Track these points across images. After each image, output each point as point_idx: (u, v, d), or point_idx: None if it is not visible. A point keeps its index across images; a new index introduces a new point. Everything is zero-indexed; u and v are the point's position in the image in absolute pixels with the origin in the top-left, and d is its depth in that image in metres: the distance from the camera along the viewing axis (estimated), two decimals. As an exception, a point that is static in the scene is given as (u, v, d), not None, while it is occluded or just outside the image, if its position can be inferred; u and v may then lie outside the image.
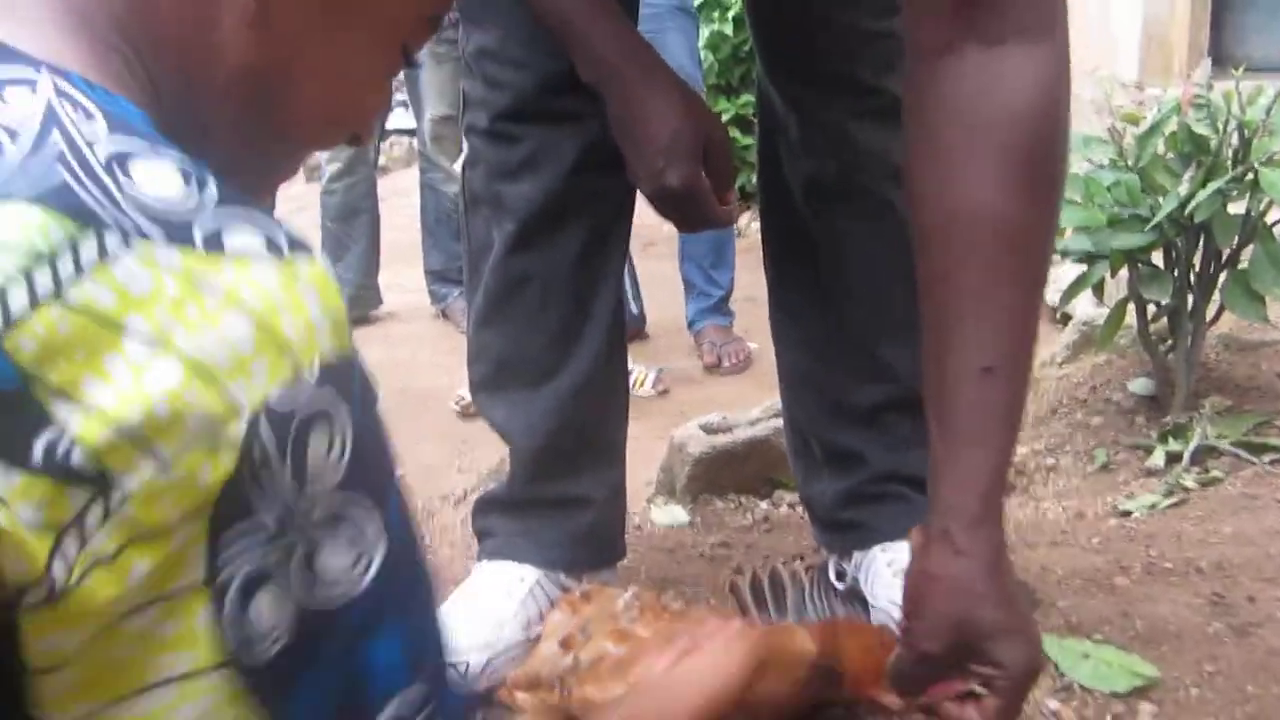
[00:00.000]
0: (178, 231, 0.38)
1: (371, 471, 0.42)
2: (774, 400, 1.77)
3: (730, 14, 4.03)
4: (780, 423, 1.67)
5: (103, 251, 0.38)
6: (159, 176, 0.40)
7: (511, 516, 1.16)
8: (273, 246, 0.40)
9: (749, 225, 3.65)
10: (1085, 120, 1.54)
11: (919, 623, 0.76)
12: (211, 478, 0.38)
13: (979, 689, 0.76)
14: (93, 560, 0.37)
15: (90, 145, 0.39)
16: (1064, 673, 0.99)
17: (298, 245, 0.40)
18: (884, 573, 1.11)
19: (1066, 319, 1.97)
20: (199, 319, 0.38)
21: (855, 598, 1.15)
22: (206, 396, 0.37)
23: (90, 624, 0.38)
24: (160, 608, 0.38)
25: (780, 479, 1.63)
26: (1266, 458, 1.36)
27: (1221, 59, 3.98)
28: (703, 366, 2.94)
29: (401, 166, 5.98)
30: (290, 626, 0.40)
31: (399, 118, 4.58)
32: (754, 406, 1.83)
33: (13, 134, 0.38)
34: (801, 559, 1.34)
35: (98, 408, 0.37)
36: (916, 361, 1.09)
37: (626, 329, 1.15)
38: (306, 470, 0.39)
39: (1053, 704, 0.95)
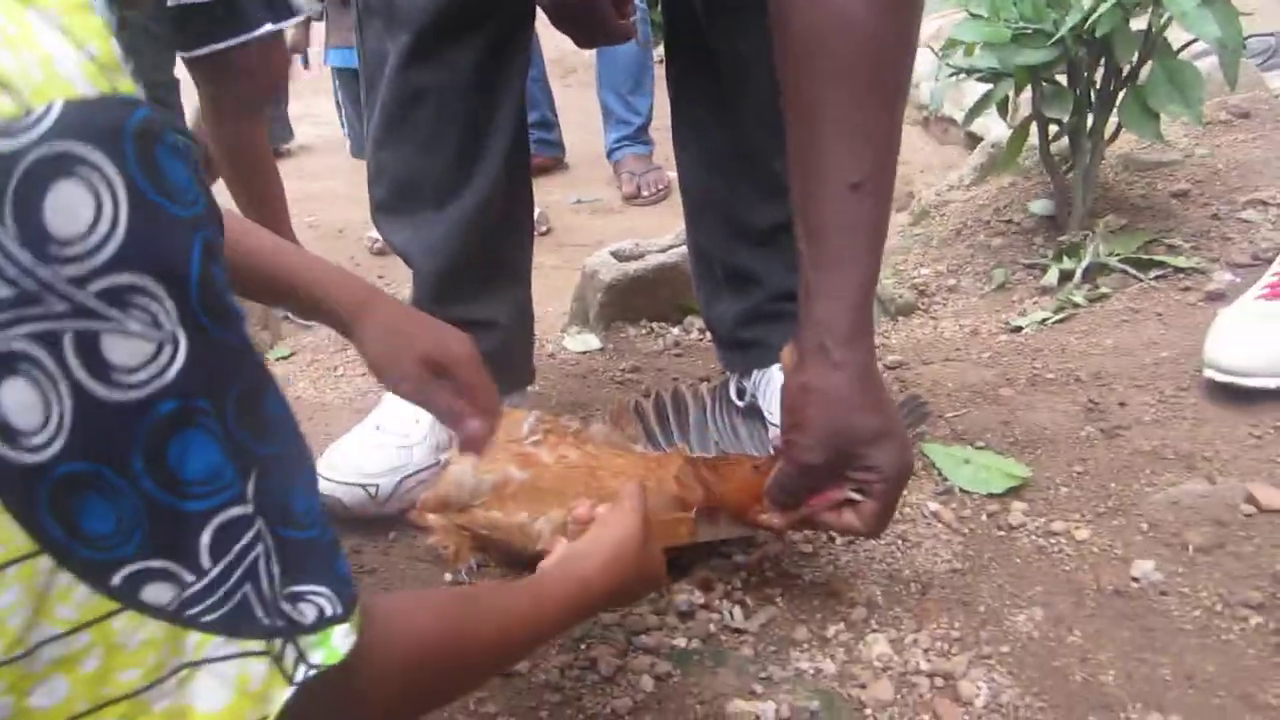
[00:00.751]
0: None
1: (161, 249, 0.38)
2: (684, 229, 1.78)
3: None
4: (672, 252, 1.68)
5: None
6: None
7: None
8: None
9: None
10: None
11: (799, 434, 0.79)
12: None
13: (855, 496, 0.80)
14: None
15: None
16: (945, 477, 1.04)
17: None
18: (780, 388, 1.15)
19: (974, 140, 1.98)
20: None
21: (754, 413, 1.19)
22: None
23: None
24: None
25: (691, 305, 1.64)
26: (1152, 274, 1.41)
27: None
28: (621, 196, 2.92)
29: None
30: (64, 425, 0.37)
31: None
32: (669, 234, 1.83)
33: None
34: (708, 380, 1.38)
35: None
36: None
37: (545, 157, 1.13)
38: (46, 231, 0.35)
39: (933, 506, 1.01)
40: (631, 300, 1.65)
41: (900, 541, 0.96)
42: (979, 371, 1.26)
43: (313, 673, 0.43)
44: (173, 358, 0.39)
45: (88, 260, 0.36)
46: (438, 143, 1.08)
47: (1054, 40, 1.37)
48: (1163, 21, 1.36)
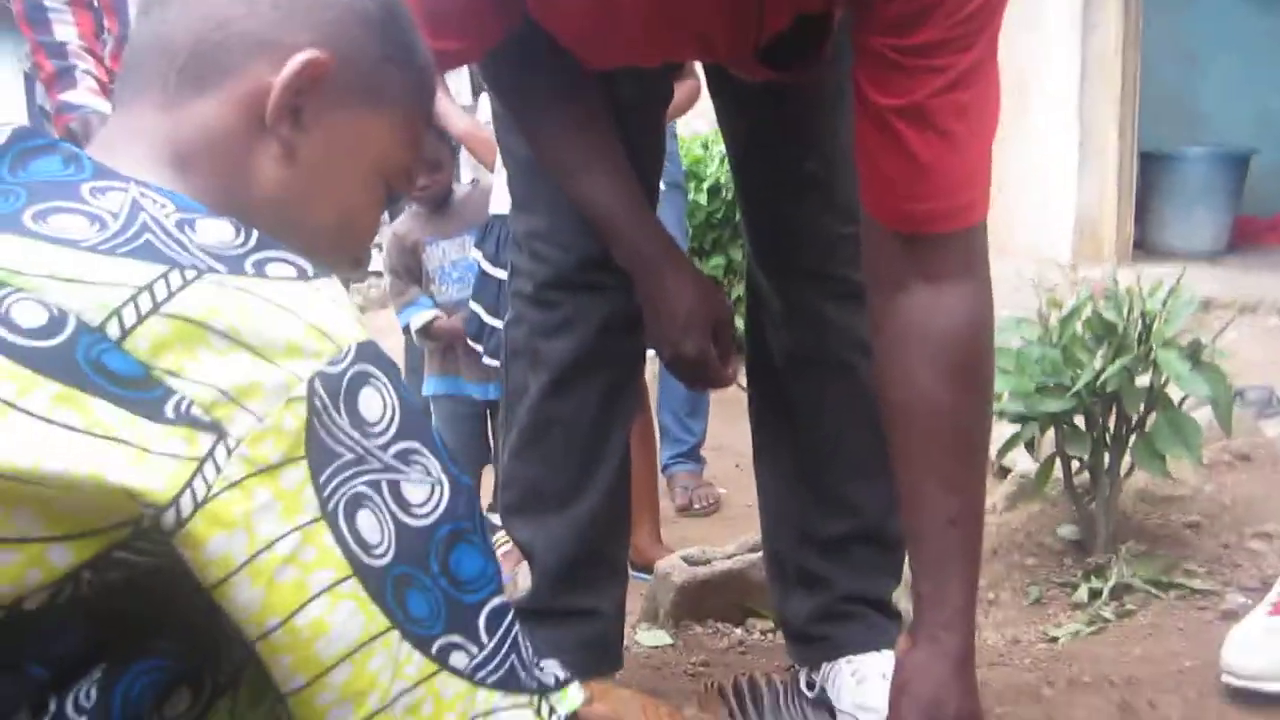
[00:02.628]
0: (234, 263, 0.58)
1: (419, 426, 0.59)
2: (746, 537, 1.99)
3: (705, 185, 4.39)
4: (753, 556, 1.88)
5: (184, 280, 0.56)
6: (216, 229, 0.60)
7: (534, 624, 1.35)
8: (302, 273, 0.59)
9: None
10: (1027, 295, 1.82)
11: (906, 700, 0.98)
12: (293, 425, 0.55)
13: None
14: (226, 483, 0.54)
15: (165, 217, 0.59)
16: (999, 765, 1.18)
17: (321, 273, 0.60)
18: (848, 680, 1.31)
19: (1005, 471, 2.21)
20: (257, 319, 0.56)
21: (822, 704, 1.34)
22: (272, 369, 0.55)
23: (235, 530, 0.53)
24: (296, 535, 0.54)
25: (753, 607, 1.82)
26: (1172, 594, 1.59)
27: (1146, 245, 4.41)
28: (675, 508, 3.13)
29: (377, 307, 6.25)
30: (394, 541, 0.57)
31: (375, 259, 4.89)
32: (725, 544, 2.04)
33: (114, 215, 0.59)
34: (769, 674, 1.53)
35: (200, 380, 0.54)
36: (876, 500, 1.34)
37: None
38: (362, 418, 0.56)
39: (989, 789, 1.14)
40: (699, 601, 1.83)
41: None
42: (1021, 675, 1.42)
43: (564, 718, 0.61)
44: (442, 495, 0.59)
45: (385, 434, 0.58)
46: (564, 460, 1.32)
47: (1072, 392, 1.63)
48: (1163, 379, 1.63)
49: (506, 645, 0.60)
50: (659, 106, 1.36)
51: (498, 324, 2.58)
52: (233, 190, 0.66)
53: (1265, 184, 4.49)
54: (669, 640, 1.74)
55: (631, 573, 1.48)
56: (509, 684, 0.60)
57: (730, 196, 4.24)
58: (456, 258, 2.88)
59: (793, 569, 1.40)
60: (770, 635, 1.75)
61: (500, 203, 2.75)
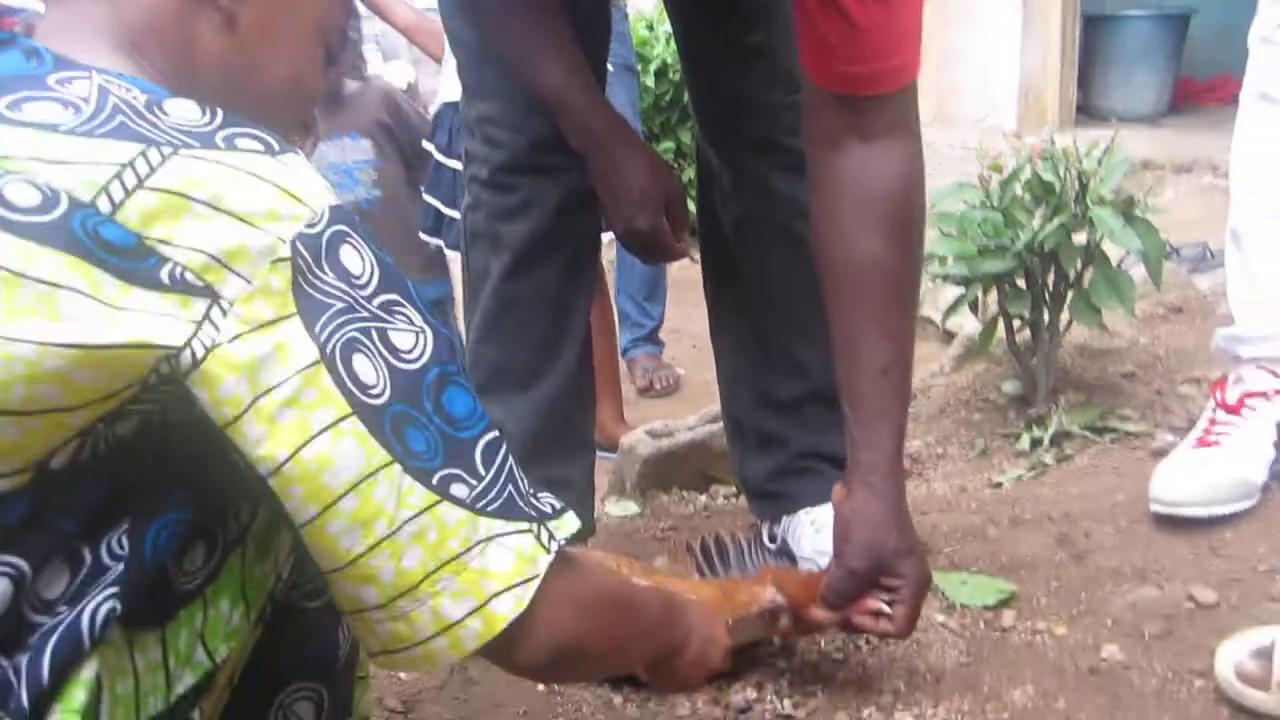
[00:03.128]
0: (205, 139, 0.62)
1: (397, 280, 0.64)
2: (707, 409, 2.06)
3: (652, 67, 4.35)
4: (714, 427, 1.96)
5: (162, 156, 0.59)
6: (184, 108, 0.64)
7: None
8: (269, 148, 0.63)
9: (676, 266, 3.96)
10: (974, 163, 1.87)
11: (849, 546, 1.05)
12: (280, 283, 0.59)
13: (885, 608, 1.05)
14: (227, 336, 0.58)
15: (133, 99, 0.63)
16: (948, 596, 1.28)
17: (286, 147, 0.64)
18: (808, 530, 1.39)
19: (950, 336, 2.30)
20: (236, 188, 0.60)
21: (784, 553, 1.43)
22: (256, 234, 0.59)
23: (240, 374, 0.58)
24: (296, 379, 0.59)
25: (715, 475, 1.90)
26: (1107, 437, 1.68)
27: (1089, 109, 4.45)
28: (636, 390, 3.21)
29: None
30: (390, 381, 0.62)
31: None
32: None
33: (84, 100, 0.62)
34: (734, 533, 1.62)
35: (190, 246, 0.58)
36: (825, 361, 1.41)
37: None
38: (346, 272, 0.61)
39: (940, 618, 1.24)
40: (664, 471, 1.91)
41: (915, 645, 1.19)
42: (969, 518, 1.51)
43: (562, 542, 0.66)
44: (426, 341, 0.64)
45: (368, 287, 0.63)
46: (527, 338, 1.37)
47: (1012, 252, 1.69)
48: (1098, 236, 1.69)
49: (503, 476, 0.65)
50: (603, -16, 1.37)
51: (455, 214, 2.59)
52: (182, 67, 0.69)
53: (1204, 45, 4.52)
54: (636, 510, 1.82)
55: (597, 452, 1.54)
56: (509, 512, 0.65)
57: (677, 78, 4.21)
58: (334, 159, 2.74)
59: (750, 431, 1.47)
60: (733, 499, 1.84)
61: (450, 91, 2.72)
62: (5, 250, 0.57)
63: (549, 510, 0.68)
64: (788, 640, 1.17)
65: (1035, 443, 1.74)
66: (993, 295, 1.84)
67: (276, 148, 0.63)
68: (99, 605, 0.60)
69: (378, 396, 0.61)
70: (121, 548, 0.61)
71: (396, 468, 0.61)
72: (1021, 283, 1.80)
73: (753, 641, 1.14)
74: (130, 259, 0.58)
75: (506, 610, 0.64)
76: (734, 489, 1.84)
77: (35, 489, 0.60)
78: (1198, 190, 3.24)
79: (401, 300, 0.64)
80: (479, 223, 1.35)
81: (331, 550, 0.62)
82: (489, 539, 0.64)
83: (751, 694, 1.15)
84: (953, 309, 1.86)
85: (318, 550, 0.62)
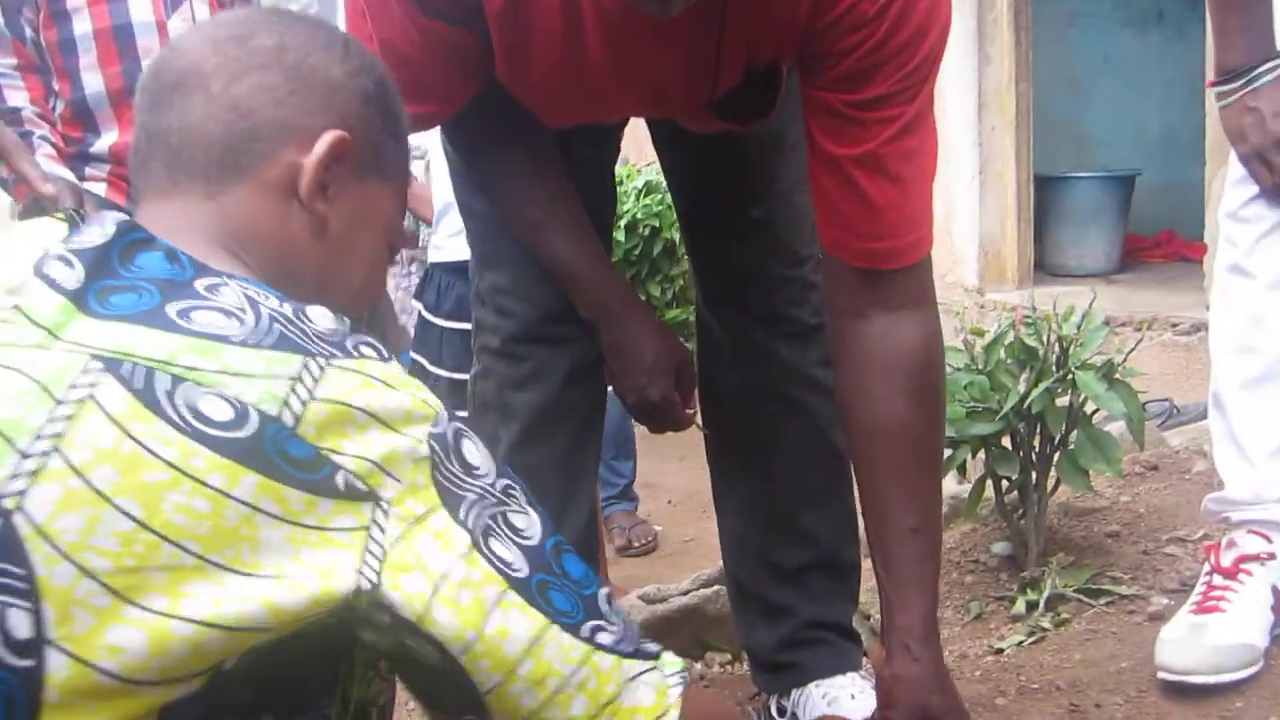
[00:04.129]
0: (342, 349, 0.67)
1: (504, 469, 0.71)
2: (701, 573, 2.05)
3: (622, 223, 4.47)
4: (707, 591, 1.94)
5: (320, 368, 0.65)
6: (321, 316, 0.69)
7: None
8: (380, 354, 0.69)
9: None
10: (941, 319, 1.93)
11: (895, 713, 1.06)
12: (424, 480, 0.66)
13: None
14: (393, 540, 0.64)
15: (278, 308, 0.68)
16: (965, 771, 1.25)
17: (392, 354, 0.70)
18: (819, 703, 1.38)
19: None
20: (379, 397, 0.66)
21: (793, 727, 1.41)
22: (402, 438, 0.65)
23: (414, 571, 0.64)
24: (461, 564, 0.65)
25: (710, 642, 1.88)
26: (1102, 600, 1.69)
27: (1045, 266, 4.63)
28: (615, 548, 3.19)
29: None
30: (524, 557, 0.68)
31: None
32: (669, 582, 2.10)
33: (241, 310, 0.67)
34: (740, 705, 1.59)
35: (354, 454, 0.64)
36: (830, 529, 1.42)
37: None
38: (470, 465, 0.68)
39: (958, 795, 1.22)
40: (660, 638, 1.86)
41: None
42: (974, 687, 1.50)
43: (681, 677, 0.73)
44: (536, 519, 0.72)
45: (489, 476, 0.70)
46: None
47: (1000, 415, 1.73)
48: (1081, 400, 1.74)
49: (625, 623, 0.73)
50: (610, 160, 1.43)
51: (441, 373, 2.61)
52: (280, 266, 0.75)
53: (1149, 203, 4.76)
54: None
55: None
56: (640, 653, 0.72)
57: (647, 233, 4.32)
58: None
59: (756, 600, 1.47)
60: (729, 667, 1.81)
61: (439, 250, 2.79)
62: (212, 469, 0.61)
63: (656, 649, 0.75)
64: None
65: (1031, 606, 1.74)
66: (980, 457, 1.87)
67: (385, 354, 0.69)
68: None
69: (519, 570, 0.68)
70: None
71: (555, 628, 0.68)
72: (1008, 444, 1.84)
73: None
74: (311, 471, 0.63)
75: None
76: (729, 655, 1.82)
77: (209, 690, 0.62)
78: (1158, 347, 3.35)
79: (513, 485, 0.71)
80: (489, 392, 1.37)
81: (514, 709, 0.69)
82: (634, 678, 0.71)
83: None
84: (943, 468, 1.88)
85: (501, 710, 0.69)
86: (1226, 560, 1.43)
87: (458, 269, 2.39)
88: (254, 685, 0.64)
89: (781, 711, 1.42)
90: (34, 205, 1.73)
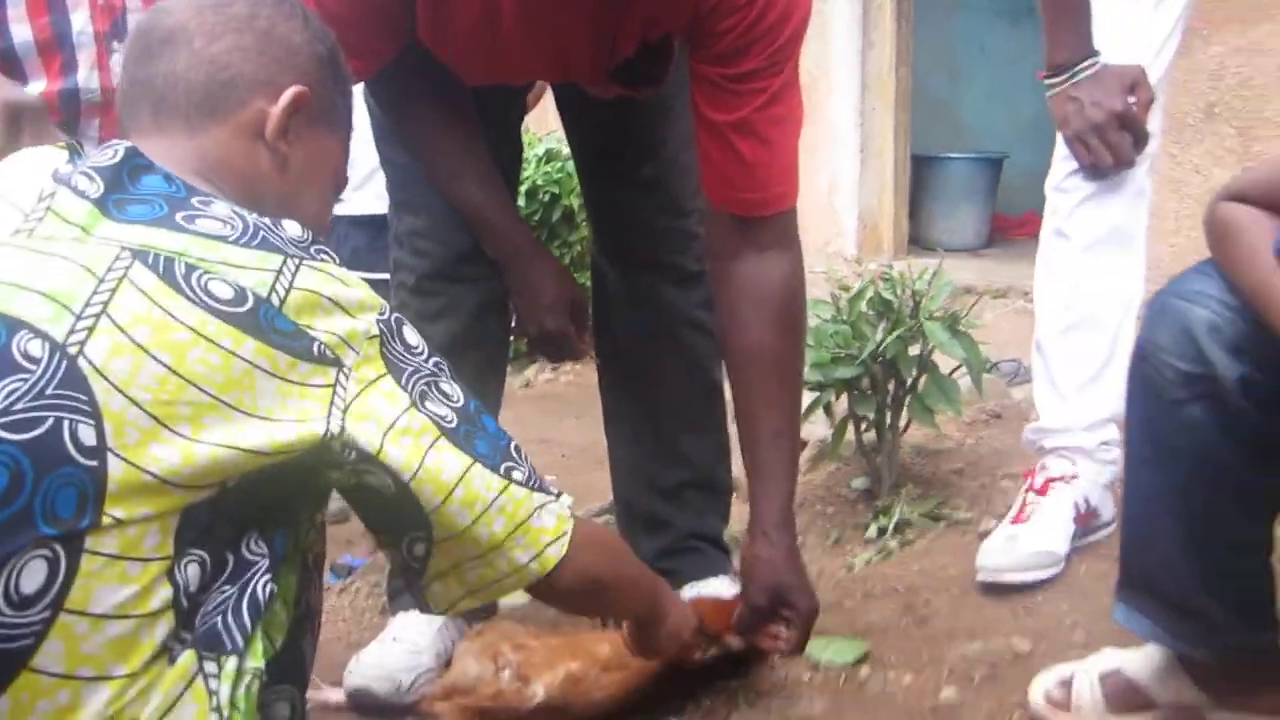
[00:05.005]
0: (310, 253, 0.86)
1: (435, 351, 0.91)
2: (589, 507, 2.23)
3: (523, 189, 4.60)
4: (596, 520, 2.12)
5: (296, 265, 0.83)
6: (293, 226, 0.87)
7: (420, 575, 1.54)
8: (334, 260, 0.87)
9: (537, 375, 4.15)
10: (818, 285, 2.14)
11: (752, 587, 1.27)
12: (374, 352, 0.84)
13: (784, 633, 1.27)
14: (353, 397, 0.83)
15: (262, 220, 0.86)
16: (813, 658, 1.46)
17: (340, 259, 0.89)
18: (692, 602, 1.57)
19: (804, 443, 2.54)
20: (339, 291, 0.84)
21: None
22: (358, 322, 0.84)
23: (370, 419, 0.83)
24: (405, 415, 0.84)
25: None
26: (943, 524, 1.93)
27: (919, 241, 4.93)
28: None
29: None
30: (453, 413, 0.87)
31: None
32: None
33: (230, 218, 0.84)
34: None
35: (324, 330, 0.82)
36: (706, 452, 1.61)
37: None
38: (410, 342, 0.87)
39: (807, 676, 1.43)
40: (551, 560, 2.05)
41: (789, 698, 1.38)
42: (828, 595, 1.71)
43: (570, 502, 0.96)
44: (460, 388, 0.93)
45: (423, 355, 0.90)
46: None
47: (859, 361, 1.95)
48: (930, 348, 1.97)
49: (531, 466, 0.93)
50: (517, 118, 1.58)
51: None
52: (246, 193, 0.91)
53: (1016, 184, 5.08)
54: (526, 600, 1.95)
55: None
56: (544, 490, 0.93)
57: (547, 199, 4.46)
58: None
59: (640, 516, 1.65)
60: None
61: (340, 204, 2.87)
62: (222, 333, 0.79)
63: (556, 491, 0.96)
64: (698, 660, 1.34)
65: (881, 530, 1.97)
66: (843, 401, 2.09)
67: (338, 260, 0.87)
68: (265, 585, 0.82)
69: (450, 422, 0.88)
70: (258, 548, 0.82)
71: (478, 465, 0.88)
72: (867, 387, 2.06)
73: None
74: (293, 340, 0.82)
75: (555, 555, 0.92)
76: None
77: (217, 500, 0.79)
78: (1012, 314, 3.64)
79: (441, 362, 0.91)
80: (403, 326, 1.51)
81: (451, 525, 0.88)
82: (541, 507, 0.92)
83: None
84: (809, 410, 2.10)
85: (443, 526, 0.88)
86: (1039, 481, 1.67)
87: (356, 222, 2.49)
88: (245, 504, 0.82)
89: (661, 613, 1.61)
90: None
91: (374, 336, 0.85)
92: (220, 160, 0.90)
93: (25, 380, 0.74)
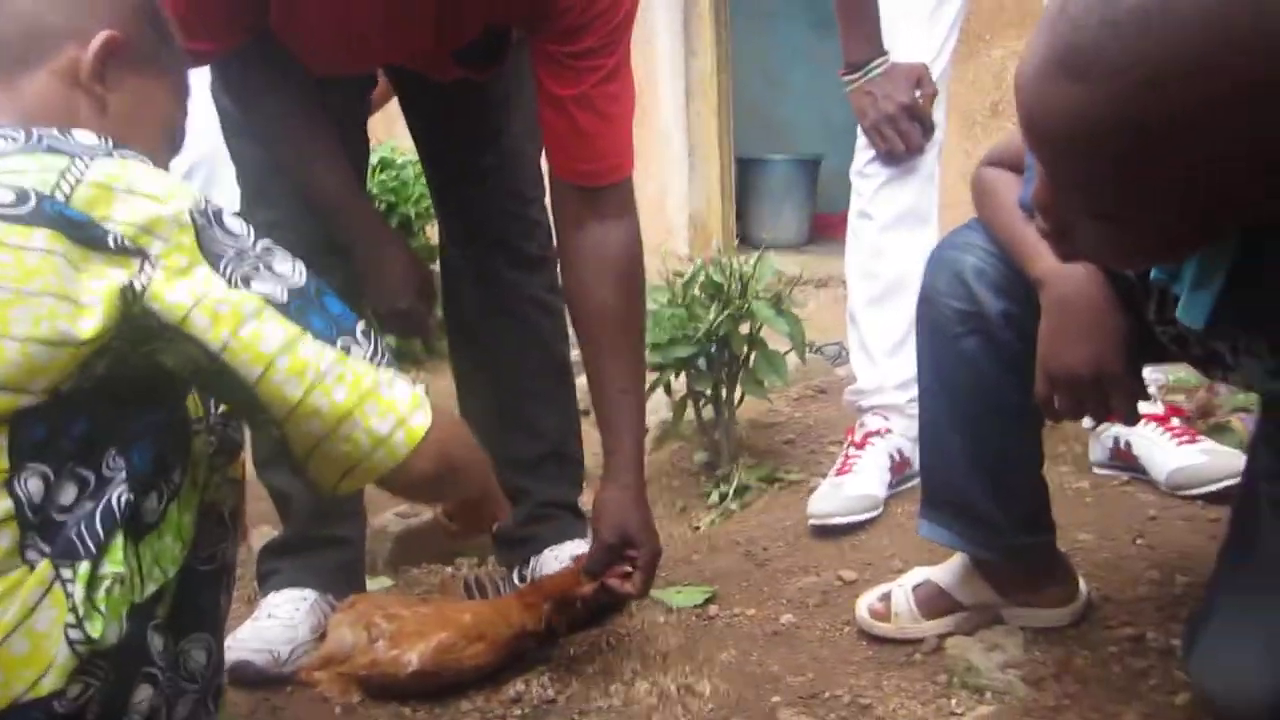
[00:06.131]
0: (107, 152, 0.86)
1: (267, 237, 0.91)
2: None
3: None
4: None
5: (85, 163, 0.83)
6: (86, 136, 0.89)
7: (293, 556, 1.60)
8: (143, 158, 0.89)
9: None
10: (653, 280, 2.29)
11: (602, 526, 1.38)
12: (188, 241, 0.84)
13: (629, 570, 1.39)
14: (156, 279, 0.82)
15: (51, 131, 0.87)
16: (666, 603, 1.60)
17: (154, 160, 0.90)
18: (552, 563, 1.68)
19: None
20: (141, 179, 0.84)
21: (532, 590, 1.71)
22: (164, 208, 0.83)
23: (182, 285, 0.82)
24: (220, 295, 0.84)
25: (458, 549, 2.15)
26: (777, 486, 2.11)
27: (746, 239, 5.18)
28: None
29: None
30: (284, 290, 0.87)
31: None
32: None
33: (18, 134, 0.86)
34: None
35: (123, 220, 0.82)
36: (557, 425, 1.73)
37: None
38: (230, 230, 0.87)
39: (661, 618, 1.56)
40: (414, 548, 2.13)
41: (645, 638, 1.51)
42: (677, 551, 1.86)
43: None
44: (299, 267, 0.92)
45: (249, 239, 0.88)
46: None
47: (694, 340, 2.11)
48: (758, 326, 2.15)
49: (382, 347, 0.91)
50: (364, 114, 1.67)
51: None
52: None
53: (833, 184, 5.40)
54: (390, 583, 2.03)
55: None
56: (394, 367, 0.91)
57: (383, 207, 4.47)
58: None
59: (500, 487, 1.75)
60: (476, 568, 2.09)
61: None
62: (9, 233, 0.80)
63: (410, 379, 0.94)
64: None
65: (723, 496, 2.14)
66: (682, 381, 2.25)
67: (149, 160, 0.89)
68: (120, 496, 0.84)
69: (278, 297, 0.87)
70: (116, 464, 0.84)
71: (308, 335, 0.87)
72: (703, 365, 2.23)
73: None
74: (86, 231, 0.82)
75: (420, 423, 0.89)
76: (475, 559, 2.10)
77: (48, 412, 0.81)
78: (833, 301, 3.90)
79: (274, 247, 0.91)
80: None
81: (281, 399, 0.86)
82: (390, 380, 0.90)
83: (520, 686, 1.41)
84: (650, 389, 2.25)
85: (271, 403, 0.86)
86: (858, 436, 1.87)
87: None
88: (87, 416, 0.84)
89: (523, 579, 1.71)
90: None
91: (186, 226, 0.84)
92: (38, 107, 0.93)
93: None
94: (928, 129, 1.81)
